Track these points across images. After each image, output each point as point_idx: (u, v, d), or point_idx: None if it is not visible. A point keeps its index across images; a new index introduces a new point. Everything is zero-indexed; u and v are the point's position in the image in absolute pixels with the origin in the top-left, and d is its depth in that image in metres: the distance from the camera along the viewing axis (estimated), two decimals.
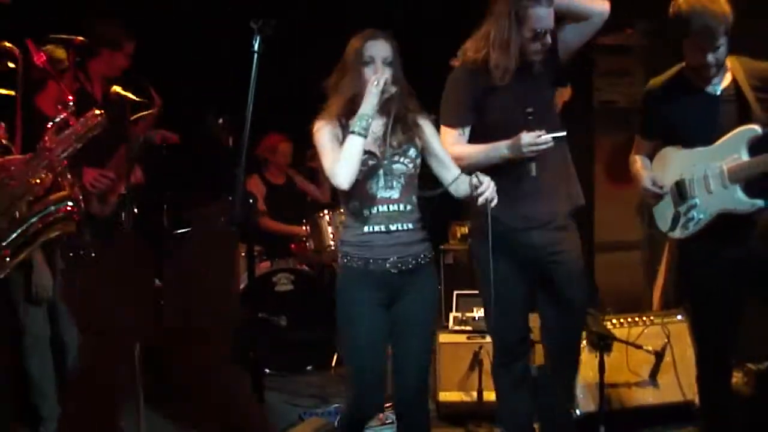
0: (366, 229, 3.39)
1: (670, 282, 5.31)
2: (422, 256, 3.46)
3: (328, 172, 3.30)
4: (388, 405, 4.98)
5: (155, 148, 5.13)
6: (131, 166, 4.70)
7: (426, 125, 3.50)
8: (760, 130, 3.50)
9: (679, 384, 4.59)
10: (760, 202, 3.53)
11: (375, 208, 3.38)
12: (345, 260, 3.44)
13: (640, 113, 3.91)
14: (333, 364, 6.23)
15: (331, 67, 3.29)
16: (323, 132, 3.39)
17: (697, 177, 3.63)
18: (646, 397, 4.64)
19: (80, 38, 4.09)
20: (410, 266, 3.41)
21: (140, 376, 4.00)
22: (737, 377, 4.44)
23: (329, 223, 6.36)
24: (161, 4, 6.02)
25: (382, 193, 3.38)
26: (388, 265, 3.39)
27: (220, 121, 5.01)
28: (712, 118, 3.59)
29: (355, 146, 3.25)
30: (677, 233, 3.72)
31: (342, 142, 3.32)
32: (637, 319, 4.84)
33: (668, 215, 3.75)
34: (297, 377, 6.01)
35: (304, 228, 6.54)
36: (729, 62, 3.58)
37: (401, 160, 3.43)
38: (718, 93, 3.60)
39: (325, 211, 6.42)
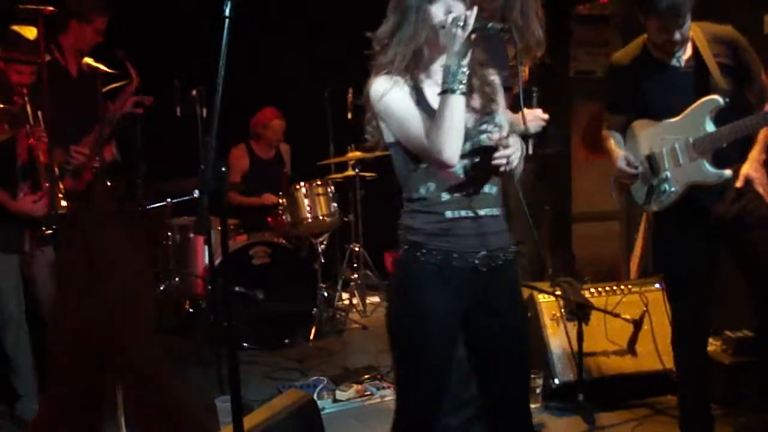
0: (449, 214, 2.66)
1: (648, 251, 5.32)
2: (510, 249, 2.77)
3: (428, 147, 2.57)
4: (367, 376, 5.00)
5: (130, 122, 5.06)
6: (106, 141, 4.64)
7: (498, 84, 2.81)
8: (721, 101, 3.48)
9: (657, 352, 4.60)
10: (727, 173, 3.53)
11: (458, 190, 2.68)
12: (418, 253, 2.65)
13: (608, 88, 3.92)
14: (311, 337, 6.22)
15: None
16: (395, 97, 2.63)
17: (666, 150, 3.64)
18: (625, 365, 4.65)
19: (50, 8, 3.99)
20: (500, 263, 2.71)
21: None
22: (716, 345, 4.47)
23: (306, 196, 6.33)
24: None
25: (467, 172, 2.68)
26: (477, 261, 2.67)
27: (194, 92, 4.95)
28: (677, 91, 3.59)
29: (458, 109, 2.54)
30: (652, 207, 3.73)
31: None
32: (615, 288, 4.85)
33: (642, 189, 3.75)
34: (275, 351, 5.99)
35: (272, 197, 6.53)
36: (690, 30, 3.55)
37: (489, 128, 2.71)
38: (681, 65, 3.59)
39: (302, 183, 6.39)
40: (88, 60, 4.58)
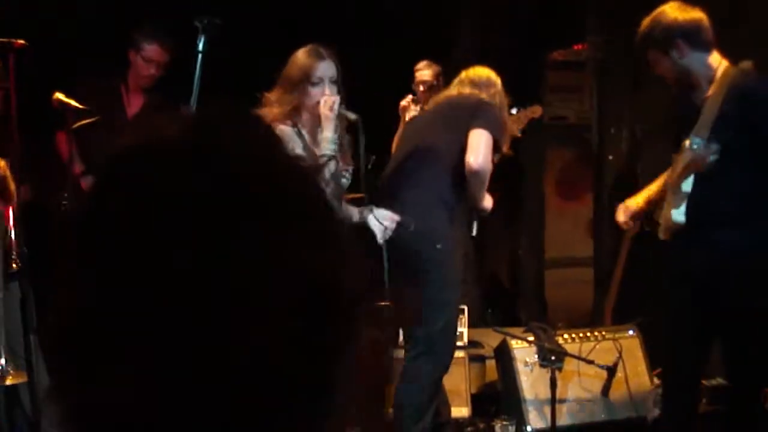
0: None
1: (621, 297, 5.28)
2: None
3: None
4: None
5: None
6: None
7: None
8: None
9: (631, 399, 4.56)
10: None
11: None
12: None
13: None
14: None
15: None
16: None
17: None
18: (598, 412, 4.59)
19: (20, 41, 3.83)
20: None
21: None
22: None
23: None
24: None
25: None
26: None
27: None
28: (687, 127, 3.52)
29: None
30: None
31: None
32: (588, 334, 4.80)
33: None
34: None
35: None
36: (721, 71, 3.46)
37: (346, 175, 3.65)
38: (698, 103, 3.49)
39: None
40: (59, 95, 4.48)
